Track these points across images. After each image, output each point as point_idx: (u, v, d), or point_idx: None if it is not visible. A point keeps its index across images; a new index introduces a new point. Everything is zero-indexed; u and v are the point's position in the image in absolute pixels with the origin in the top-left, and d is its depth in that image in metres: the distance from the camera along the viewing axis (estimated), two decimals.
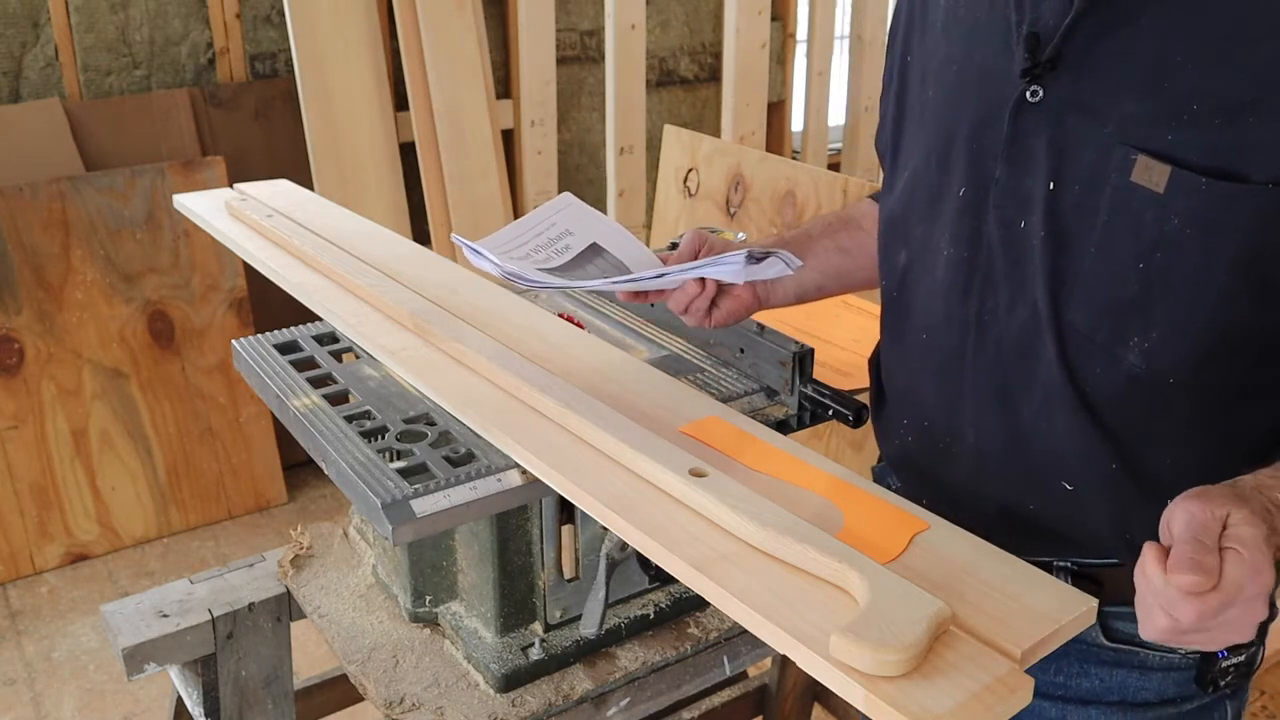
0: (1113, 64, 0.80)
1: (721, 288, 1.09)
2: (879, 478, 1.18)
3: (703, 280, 1.06)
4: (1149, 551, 0.71)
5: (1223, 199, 0.77)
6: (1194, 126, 0.77)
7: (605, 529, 1.02)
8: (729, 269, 1.00)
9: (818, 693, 1.94)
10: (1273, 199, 0.76)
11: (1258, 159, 0.76)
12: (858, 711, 0.70)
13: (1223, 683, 0.96)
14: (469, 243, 1.02)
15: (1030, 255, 0.87)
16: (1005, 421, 0.92)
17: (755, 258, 0.99)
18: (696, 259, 1.08)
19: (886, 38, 1.09)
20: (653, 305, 1.34)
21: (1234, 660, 0.96)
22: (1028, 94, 0.84)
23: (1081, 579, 0.96)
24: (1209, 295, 0.80)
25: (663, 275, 1.03)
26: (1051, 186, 0.84)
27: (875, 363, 1.16)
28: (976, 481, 0.97)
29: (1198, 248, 0.79)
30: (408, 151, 3.16)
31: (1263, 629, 0.98)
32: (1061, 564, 0.96)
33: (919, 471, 1.04)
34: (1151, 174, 0.78)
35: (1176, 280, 0.80)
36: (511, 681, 1.08)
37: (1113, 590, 0.94)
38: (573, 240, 1.09)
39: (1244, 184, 0.76)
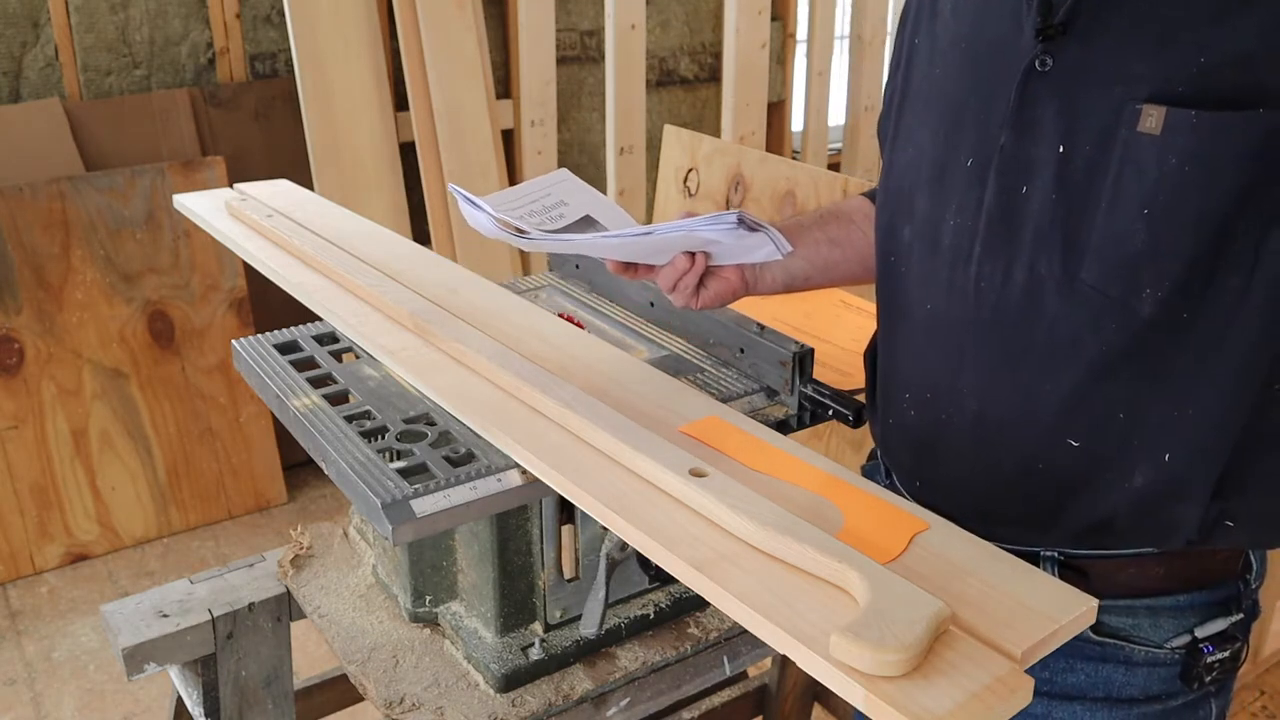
0: (1123, 26, 0.82)
1: (710, 269, 1.09)
2: (869, 475, 1.18)
3: (692, 256, 1.06)
4: None
5: (1212, 129, 0.78)
6: (1201, 77, 0.79)
7: (605, 529, 1.02)
8: (721, 229, 0.98)
9: (818, 693, 1.94)
10: (1261, 124, 0.77)
11: (1243, 88, 0.78)
12: (858, 712, 0.70)
13: (1208, 679, 0.97)
14: (467, 194, 1.02)
15: (1028, 221, 0.88)
16: (1009, 386, 0.93)
17: (748, 224, 0.98)
18: None
19: (890, 32, 1.10)
20: (652, 305, 1.34)
21: (1219, 656, 0.96)
22: (1037, 63, 0.86)
23: (1068, 570, 0.96)
24: (1210, 233, 0.81)
25: (652, 233, 1.02)
26: (1061, 150, 0.86)
27: (871, 353, 1.16)
28: (979, 449, 0.97)
29: (1196, 185, 0.80)
30: (408, 151, 3.16)
31: (1246, 627, 0.99)
32: (1049, 554, 0.97)
33: (919, 447, 1.04)
34: (1151, 120, 0.80)
35: (1179, 221, 0.81)
36: (511, 681, 1.08)
37: (1099, 582, 0.95)
38: (567, 210, 1.09)
39: (1230, 111, 0.78)
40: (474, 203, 1.01)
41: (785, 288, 1.17)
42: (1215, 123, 0.78)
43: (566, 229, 1.07)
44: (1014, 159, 0.89)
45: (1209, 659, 0.96)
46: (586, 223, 1.09)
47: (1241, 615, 0.98)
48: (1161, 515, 0.92)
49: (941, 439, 1.00)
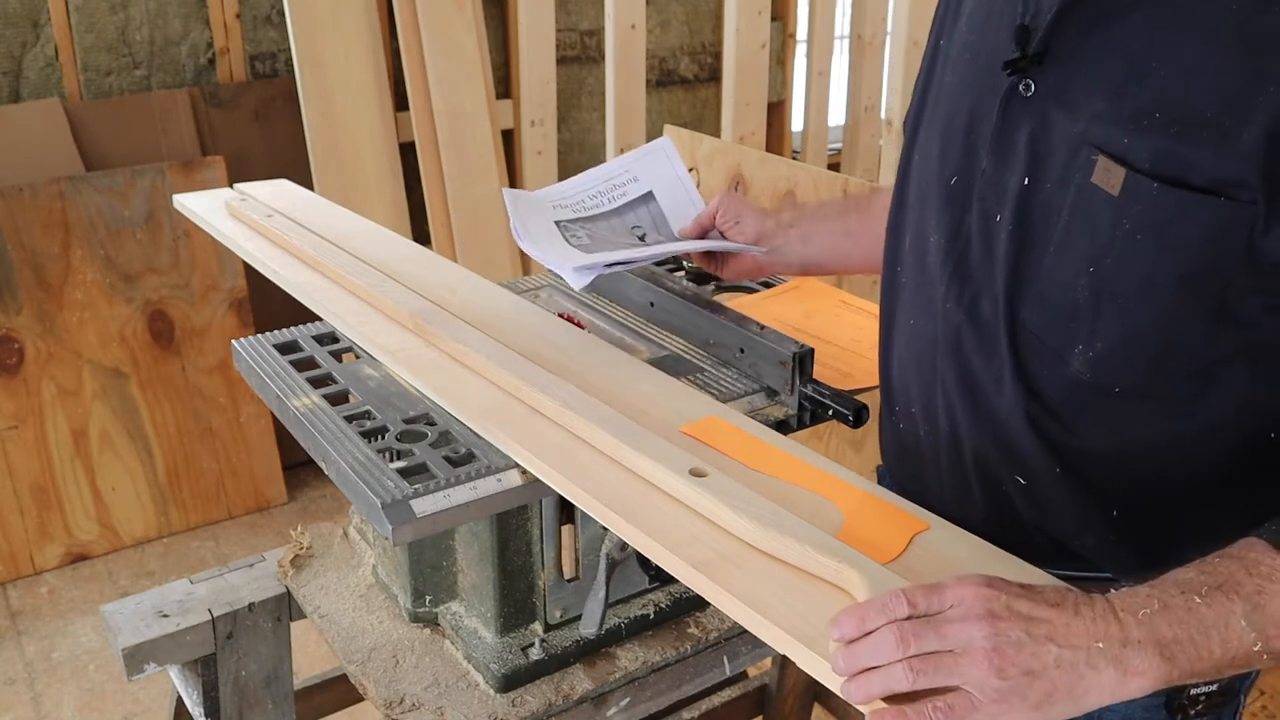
0: (1093, 60, 0.80)
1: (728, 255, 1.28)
2: (882, 478, 1.18)
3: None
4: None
5: (1173, 206, 0.76)
6: (1151, 133, 0.77)
7: (605, 529, 1.02)
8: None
9: (818, 693, 1.94)
10: (1220, 213, 0.75)
11: (1208, 173, 0.75)
12: (857, 711, 0.70)
13: (1193, 711, 0.93)
14: (519, 196, 1.18)
15: (996, 250, 0.87)
16: (972, 412, 0.93)
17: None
18: (714, 221, 1.26)
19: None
20: (652, 305, 1.34)
21: (1204, 690, 0.92)
22: (1020, 87, 0.84)
23: None
24: (1156, 309, 0.80)
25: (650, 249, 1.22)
26: (1026, 182, 0.84)
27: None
28: (953, 468, 0.97)
29: (1148, 256, 0.78)
30: (408, 151, 3.15)
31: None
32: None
33: (905, 459, 1.04)
34: (1109, 176, 0.78)
35: (1124, 288, 0.80)
36: (511, 681, 1.08)
37: None
38: (632, 187, 1.27)
39: (1193, 192, 0.75)
40: (519, 231, 1.14)
41: (801, 270, 1.32)
42: (1176, 200, 0.76)
43: (622, 207, 1.25)
44: (992, 184, 0.87)
45: (1193, 691, 0.92)
46: (644, 199, 1.26)
47: None
48: (1122, 558, 0.90)
49: (923, 454, 1.00)
